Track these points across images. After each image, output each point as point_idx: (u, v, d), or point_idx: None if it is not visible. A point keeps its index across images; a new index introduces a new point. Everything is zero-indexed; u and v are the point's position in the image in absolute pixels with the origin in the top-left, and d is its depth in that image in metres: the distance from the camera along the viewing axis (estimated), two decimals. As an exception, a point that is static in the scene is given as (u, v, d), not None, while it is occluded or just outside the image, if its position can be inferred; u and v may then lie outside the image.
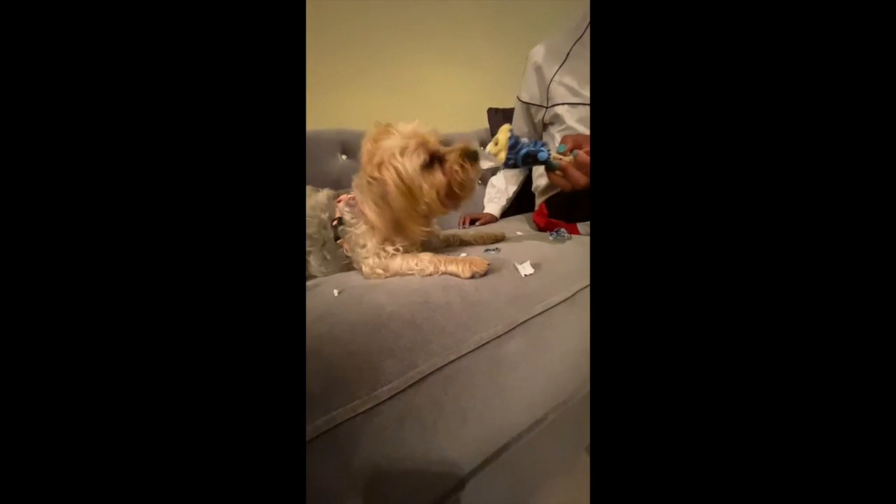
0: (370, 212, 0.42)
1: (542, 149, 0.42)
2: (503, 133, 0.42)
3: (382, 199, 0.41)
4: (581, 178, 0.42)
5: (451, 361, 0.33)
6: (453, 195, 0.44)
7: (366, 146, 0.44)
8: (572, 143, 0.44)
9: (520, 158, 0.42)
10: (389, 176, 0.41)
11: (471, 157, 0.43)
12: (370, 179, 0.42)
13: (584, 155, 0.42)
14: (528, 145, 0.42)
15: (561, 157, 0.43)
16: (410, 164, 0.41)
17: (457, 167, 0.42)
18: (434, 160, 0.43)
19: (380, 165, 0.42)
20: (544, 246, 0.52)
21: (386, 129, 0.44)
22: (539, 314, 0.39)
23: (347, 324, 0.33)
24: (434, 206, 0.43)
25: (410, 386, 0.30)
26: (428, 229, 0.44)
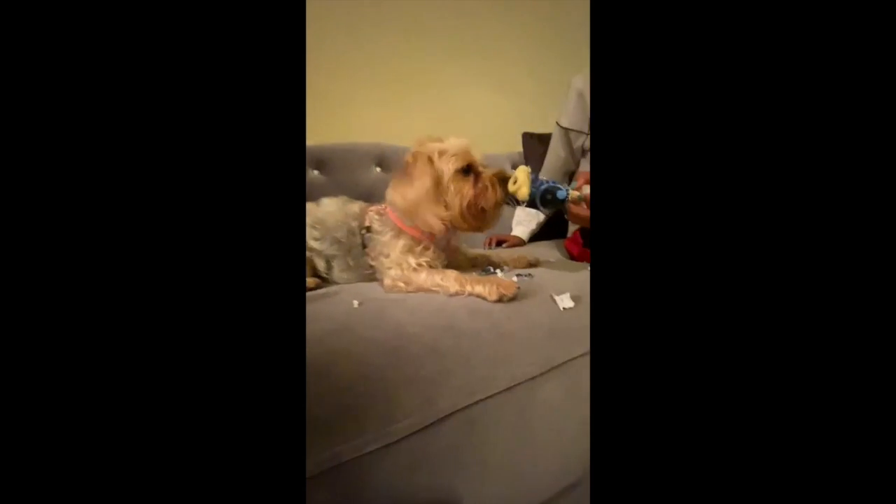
0: (394, 192, 0.45)
1: (561, 187, 0.44)
2: (522, 172, 0.44)
3: (409, 182, 0.44)
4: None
5: (476, 402, 0.28)
6: (476, 213, 0.44)
7: (413, 147, 0.48)
8: (583, 179, 0.46)
9: (539, 193, 0.43)
10: (422, 165, 0.44)
11: (502, 180, 0.45)
12: (405, 165, 0.45)
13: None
14: (548, 182, 0.44)
15: (575, 192, 0.44)
16: (446, 166, 0.44)
17: (489, 184, 0.45)
18: (470, 171, 0.45)
19: (416, 156, 0.45)
20: (582, 277, 0.47)
21: (436, 138, 0.47)
22: (580, 356, 0.34)
23: (364, 341, 0.31)
24: (454, 216, 0.44)
25: (428, 426, 0.26)
26: (447, 215, 0.44)
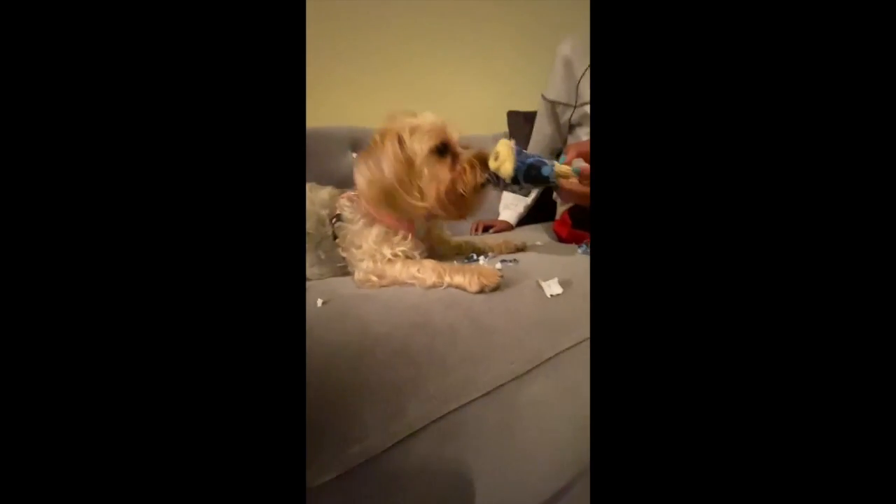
0: (361, 177, 0.39)
1: (546, 163, 0.39)
2: (504, 146, 0.38)
3: (376, 165, 0.38)
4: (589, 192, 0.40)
5: (453, 410, 0.25)
6: (456, 199, 0.40)
7: (384, 123, 0.42)
8: (574, 152, 0.41)
9: (523, 168, 0.38)
10: (391, 145, 0.38)
11: (483, 162, 0.40)
12: (372, 144, 0.40)
13: (588, 167, 0.40)
14: (535, 156, 0.39)
15: (566, 167, 0.40)
16: (419, 145, 0.39)
17: (467, 166, 0.39)
18: (446, 151, 0.40)
19: (384, 133, 0.39)
20: (572, 260, 0.44)
21: (411, 113, 0.42)
22: (569, 348, 0.31)
23: (323, 346, 0.26)
24: (432, 204, 0.39)
25: (395, 445, 0.22)
26: (424, 204, 0.39)
